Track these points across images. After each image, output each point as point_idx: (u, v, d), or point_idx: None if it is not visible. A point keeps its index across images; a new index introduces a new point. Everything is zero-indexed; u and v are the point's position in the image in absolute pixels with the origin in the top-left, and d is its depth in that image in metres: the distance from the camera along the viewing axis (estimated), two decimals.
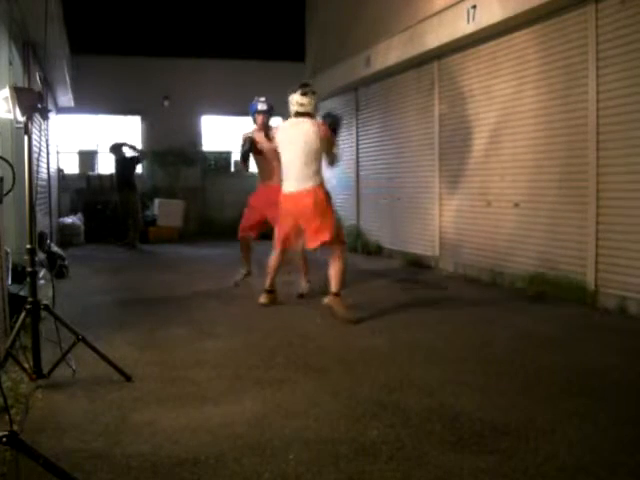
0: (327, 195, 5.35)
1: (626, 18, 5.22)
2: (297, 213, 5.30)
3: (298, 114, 5.37)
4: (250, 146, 6.34)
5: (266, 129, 6.44)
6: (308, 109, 5.35)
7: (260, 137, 6.34)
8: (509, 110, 6.78)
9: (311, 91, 5.43)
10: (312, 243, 5.29)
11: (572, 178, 5.92)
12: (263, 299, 5.74)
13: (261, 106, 6.51)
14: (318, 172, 5.30)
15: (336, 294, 5.19)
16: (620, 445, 2.66)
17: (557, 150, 6.11)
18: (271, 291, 5.79)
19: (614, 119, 5.38)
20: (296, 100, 5.36)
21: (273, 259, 5.69)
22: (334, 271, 5.21)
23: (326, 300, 5.25)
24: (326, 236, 5.17)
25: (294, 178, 5.31)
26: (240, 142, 6.49)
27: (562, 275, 5.95)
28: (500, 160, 6.97)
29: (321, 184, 5.31)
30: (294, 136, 5.31)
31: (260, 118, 6.49)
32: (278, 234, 5.58)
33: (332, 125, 5.51)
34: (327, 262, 5.33)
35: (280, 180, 6.50)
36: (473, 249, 7.46)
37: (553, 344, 4.40)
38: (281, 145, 5.43)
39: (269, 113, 6.57)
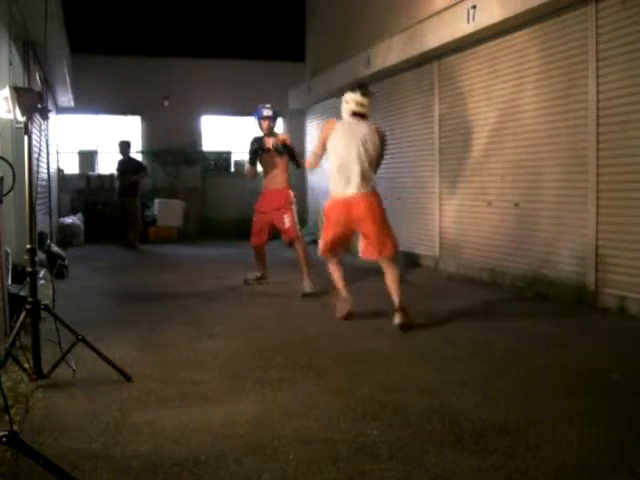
0: (381, 202, 5.08)
1: (626, 18, 5.22)
2: (350, 219, 5.02)
3: (355, 114, 5.06)
4: (260, 145, 6.40)
5: (271, 134, 6.53)
6: (366, 110, 5.09)
7: (267, 142, 6.46)
8: (509, 110, 6.78)
9: (370, 92, 5.19)
10: (370, 255, 5.03)
11: (572, 178, 5.92)
12: (343, 306, 5.24)
13: (267, 112, 6.58)
14: (372, 178, 5.02)
15: (403, 308, 4.83)
16: (620, 445, 2.65)
17: (557, 150, 6.11)
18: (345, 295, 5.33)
19: (614, 119, 5.38)
20: (355, 100, 5.05)
21: (332, 269, 5.34)
22: (395, 287, 4.89)
23: (397, 320, 4.78)
24: (386, 252, 4.95)
25: (348, 182, 4.97)
26: (249, 144, 6.58)
27: (562, 275, 5.95)
28: (500, 160, 6.97)
29: (373, 191, 5.02)
30: (351, 138, 4.96)
31: (265, 124, 6.57)
32: (324, 240, 5.24)
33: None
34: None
35: (283, 183, 6.56)
36: (473, 249, 7.46)
37: (553, 344, 4.40)
38: (335, 145, 5.04)
39: (274, 119, 6.64)
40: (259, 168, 6.74)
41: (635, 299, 5.15)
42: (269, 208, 6.57)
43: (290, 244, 6.59)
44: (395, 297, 4.89)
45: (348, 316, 5.13)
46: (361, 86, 5.20)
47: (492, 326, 4.93)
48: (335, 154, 5.05)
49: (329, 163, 5.13)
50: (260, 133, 6.67)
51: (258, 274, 6.91)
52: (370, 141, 4.98)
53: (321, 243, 5.30)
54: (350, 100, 5.09)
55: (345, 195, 5.00)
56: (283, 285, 6.35)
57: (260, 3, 13.54)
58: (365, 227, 5.02)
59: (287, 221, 6.44)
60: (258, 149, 6.43)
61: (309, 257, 6.33)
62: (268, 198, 6.63)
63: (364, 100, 5.07)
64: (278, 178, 6.55)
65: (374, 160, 5.05)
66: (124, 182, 11.30)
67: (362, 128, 5.00)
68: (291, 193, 6.53)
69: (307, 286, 6.19)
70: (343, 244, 5.35)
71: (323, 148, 5.18)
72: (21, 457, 2.30)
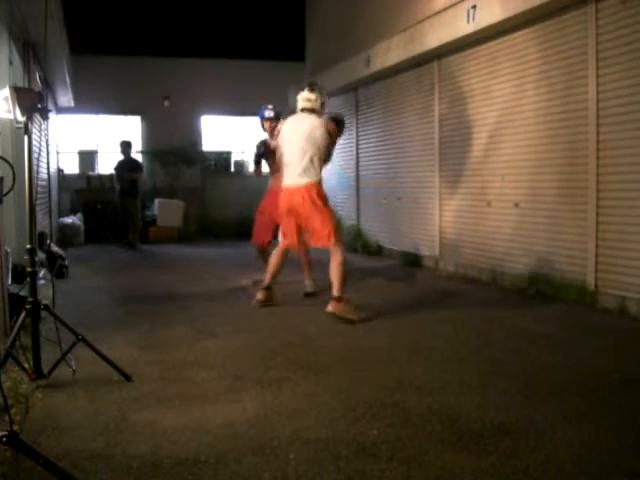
0: (321, 193, 5.27)
1: (626, 18, 5.22)
2: (291, 209, 5.29)
3: (304, 110, 5.35)
4: (264, 149, 6.39)
5: (274, 134, 6.53)
6: (314, 105, 5.33)
7: (271, 143, 6.45)
8: (509, 110, 6.78)
9: (318, 88, 5.44)
10: (315, 242, 5.30)
11: (572, 178, 5.92)
12: (259, 295, 5.68)
13: (268, 113, 6.60)
14: (316, 169, 5.25)
15: (339, 298, 5.09)
16: (620, 445, 2.66)
17: (557, 150, 6.11)
18: (268, 288, 5.70)
19: (614, 119, 5.38)
20: (303, 96, 5.36)
21: (274, 255, 5.65)
22: (335, 274, 5.13)
23: (329, 308, 5.07)
24: (326, 239, 5.14)
25: (291, 173, 5.29)
26: (254, 147, 6.59)
27: (562, 275, 5.95)
28: (500, 160, 6.97)
29: (316, 182, 5.25)
30: (297, 130, 5.27)
31: (268, 124, 6.57)
32: (282, 231, 5.62)
33: (337, 126, 5.50)
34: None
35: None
36: (473, 249, 7.46)
37: (553, 344, 4.40)
38: (283, 139, 5.39)
39: (276, 120, 6.62)
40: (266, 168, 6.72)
41: (635, 299, 5.15)
42: (272, 207, 6.56)
43: None
44: (333, 287, 5.11)
45: (262, 302, 5.60)
46: (310, 84, 5.54)
47: (492, 326, 4.94)
48: (284, 147, 5.38)
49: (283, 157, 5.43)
50: (264, 134, 6.66)
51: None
52: (314, 134, 5.22)
53: (285, 236, 5.58)
54: (299, 98, 5.41)
55: (289, 186, 5.31)
56: (283, 285, 6.34)
57: (260, 3, 13.54)
58: (303, 216, 5.25)
59: None
60: (264, 153, 6.42)
61: (309, 255, 6.31)
62: (273, 198, 6.61)
63: (311, 95, 5.35)
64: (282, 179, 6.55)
65: (319, 151, 5.26)
66: (123, 182, 11.32)
67: (309, 121, 5.27)
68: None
69: (309, 286, 6.18)
70: (298, 235, 5.46)
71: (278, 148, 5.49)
72: (21, 457, 2.30)
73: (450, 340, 4.51)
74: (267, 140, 6.52)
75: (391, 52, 8.69)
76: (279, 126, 5.57)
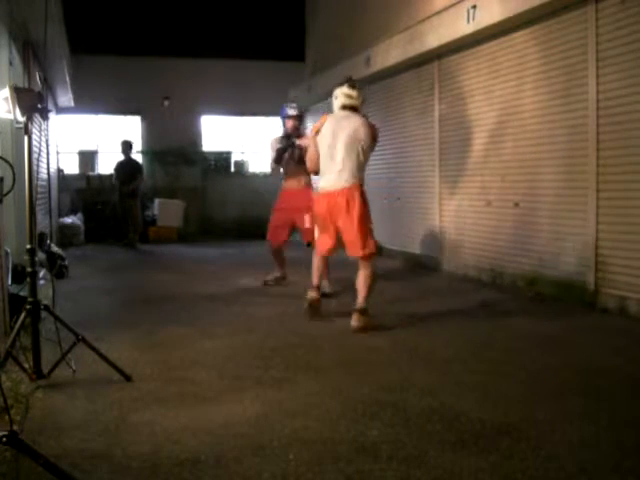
0: (364, 197, 4.93)
1: (626, 18, 5.22)
2: (331, 213, 4.92)
3: (345, 107, 4.98)
4: (291, 141, 6.27)
5: (297, 133, 6.47)
6: (356, 103, 4.99)
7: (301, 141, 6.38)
8: (509, 110, 6.78)
9: (358, 84, 5.11)
10: (352, 252, 4.92)
11: (572, 178, 5.92)
12: (311, 293, 5.33)
13: (291, 111, 6.49)
14: (359, 171, 4.90)
15: (364, 310, 4.80)
16: (620, 445, 2.65)
17: (557, 150, 6.11)
18: (317, 287, 5.37)
19: (614, 119, 5.38)
20: (343, 92, 4.98)
21: (316, 261, 5.34)
22: (362, 285, 4.86)
23: (352, 322, 4.76)
24: (360, 250, 4.85)
25: (332, 174, 4.90)
26: (275, 142, 6.49)
27: (562, 275, 5.95)
28: (500, 160, 6.97)
29: (359, 184, 4.91)
30: (342, 129, 4.87)
31: (290, 123, 6.49)
32: (317, 238, 5.22)
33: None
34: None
35: (306, 184, 6.45)
36: (473, 249, 7.46)
37: (553, 344, 4.40)
38: (324, 138, 4.95)
39: (300, 118, 6.55)
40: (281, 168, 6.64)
41: (635, 299, 5.15)
42: (289, 205, 6.50)
43: (310, 244, 6.54)
44: (359, 298, 4.86)
45: (313, 301, 5.23)
46: (349, 79, 5.11)
47: (492, 326, 4.94)
48: (323, 147, 4.97)
49: (320, 157, 5.03)
50: (283, 132, 6.57)
51: (278, 274, 6.84)
52: (359, 134, 4.88)
53: (318, 243, 5.22)
54: (339, 94, 5.02)
55: (329, 189, 4.93)
56: (283, 285, 6.35)
57: (260, 3, 13.54)
58: (344, 221, 4.87)
59: (308, 221, 6.39)
60: (287, 147, 6.28)
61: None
62: (288, 197, 6.56)
63: (352, 92, 4.98)
64: (302, 178, 6.46)
65: (362, 154, 4.92)
66: (122, 184, 11.29)
67: (352, 121, 4.91)
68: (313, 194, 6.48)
69: (326, 286, 6.17)
70: (333, 241, 5.10)
71: (316, 146, 5.06)
72: (21, 457, 2.30)
73: (450, 340, 4.51)
74: (290, 136, 6.40)
75: (391, 52, 8.69)
76: (317, 123, 5.13)
